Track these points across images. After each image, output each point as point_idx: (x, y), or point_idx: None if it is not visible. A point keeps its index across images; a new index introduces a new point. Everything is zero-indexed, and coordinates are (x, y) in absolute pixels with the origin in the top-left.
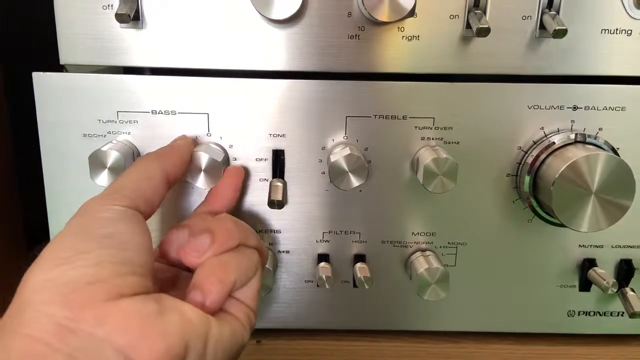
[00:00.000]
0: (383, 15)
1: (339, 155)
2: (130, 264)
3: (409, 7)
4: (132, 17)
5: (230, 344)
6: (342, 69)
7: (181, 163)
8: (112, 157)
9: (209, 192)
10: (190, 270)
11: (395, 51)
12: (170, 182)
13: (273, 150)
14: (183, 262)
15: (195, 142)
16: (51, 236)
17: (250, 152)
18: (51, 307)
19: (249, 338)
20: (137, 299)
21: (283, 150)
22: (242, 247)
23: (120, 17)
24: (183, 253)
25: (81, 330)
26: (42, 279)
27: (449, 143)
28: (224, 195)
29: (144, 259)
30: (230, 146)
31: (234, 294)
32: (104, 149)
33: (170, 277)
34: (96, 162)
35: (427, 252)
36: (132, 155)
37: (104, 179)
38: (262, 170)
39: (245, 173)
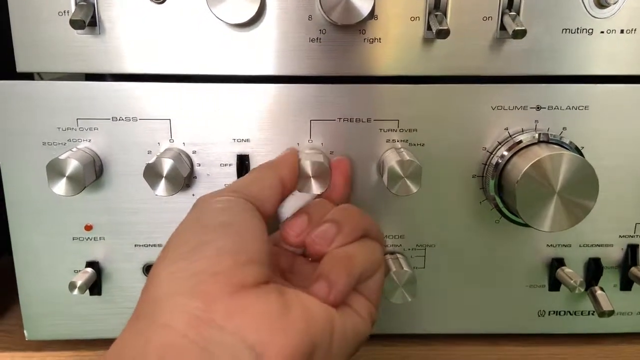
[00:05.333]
0: (340, 18)
1: (302, 161)
2: (249, 251)
3: (367, 10)
4: (87, 23)
5: (353, 339)
6: (305, 72)
7: (294, 174)
8: (71, 165)
9: None
10: (305, 256)
11: (358, 54)
12: (285, 191)
13: (237, 155)
14: (307, 249)
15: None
16: (13, 247)
17: (214, 157)
18: (181, 298)
19: (369, 333)
20: (260, 292)
21: (248, 155)
22: (366, 239)
23: (75, 23)
24: (309, 240)
25: (213, 322)
26: (167, 272)
27: (414, 145)
28: (337, 184)
29: (261, 247)
30: (194, 152)
31: (358, 288)
32: (61, 157)
33: (287, 261)
34: (54, 170)
35: (396, 255)
36: (93, 163)
37: (61, 187)
38: (226, 176)
39: (210, 179)
